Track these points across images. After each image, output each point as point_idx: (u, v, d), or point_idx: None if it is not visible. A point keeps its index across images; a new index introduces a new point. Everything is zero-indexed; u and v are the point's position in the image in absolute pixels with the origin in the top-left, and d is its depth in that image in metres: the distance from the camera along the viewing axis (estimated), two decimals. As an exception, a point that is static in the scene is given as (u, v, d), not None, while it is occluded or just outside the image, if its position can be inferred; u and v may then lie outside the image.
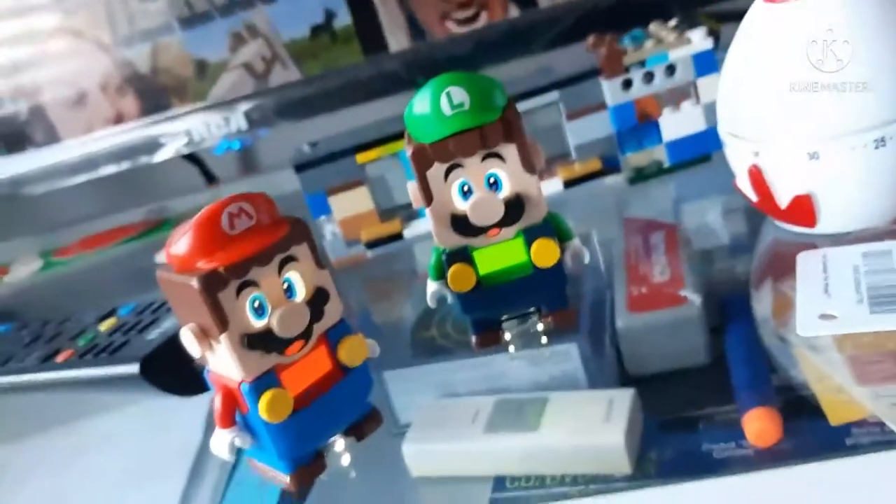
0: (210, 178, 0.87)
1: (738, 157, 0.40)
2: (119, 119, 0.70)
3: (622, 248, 0.42)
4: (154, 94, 0.69)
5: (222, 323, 0.29)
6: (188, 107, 0.69)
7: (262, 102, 0.67)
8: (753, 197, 0.40)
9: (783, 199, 0.38)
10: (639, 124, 0.51)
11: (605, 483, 0.31)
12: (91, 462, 0.45)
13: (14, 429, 0.50)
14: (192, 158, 0.85)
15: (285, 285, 0.31)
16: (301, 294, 0.31)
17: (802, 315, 0.33)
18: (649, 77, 0.50)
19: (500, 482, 0.33)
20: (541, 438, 0.32)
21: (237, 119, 0.68)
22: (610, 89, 0.50)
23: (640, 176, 0.52)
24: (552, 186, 0.53)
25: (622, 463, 0.31)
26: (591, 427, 0.32)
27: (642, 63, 0.50)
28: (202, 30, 0.62)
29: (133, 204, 0.87)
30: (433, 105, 0.33)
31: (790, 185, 0.38)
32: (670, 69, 0.50)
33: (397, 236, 0.54)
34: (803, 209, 0.38)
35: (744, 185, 0.40)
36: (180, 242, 0.29)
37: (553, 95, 0.52)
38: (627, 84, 0.50)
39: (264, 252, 0.30)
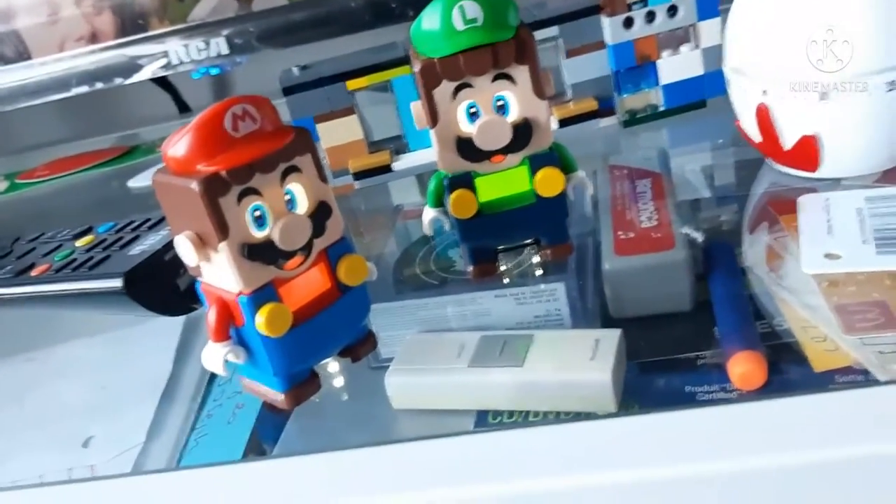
0: (183, 107, 0.84)
1: (745, 96, 0.39)
2: (94, 38, 0.67)
3: (608, 194, 0.41)
4: (132, 13, 0.66)
5: (222, 230, 0.28)
6: (167, 28, 0.66)
7: (244, 27, 0.65)
8: (757, 137, 0.39)
9: (788, 140, 0.38)
10: (637, 65, 0.50)
11: (588, 421, 0.31)
12: (57, 386, 0.44)
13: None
14: (166, 85, 0.82)
15: (287, 196, 0.30)
16: (303, 207, 0.30)
17: (806, 254, 0.33)
18: (651, 16, 0.49)
19: (482, 416, 0.32)
20: (526, 374, 0.32)
21: (218, 43, 0.66)
22: (611, 27, 0.49)
23: (635, 119, 0.52)
24: (547, 124, 0.52)
25: (607, 401, 0.31)
26: (577, 364, 0.31)
27: (644, 2, 0.49)
28: (188, -56, 0.59)
29: (103, 130, 0.84)
30: (445, 19, 0.32)
31: (797, 125, 0.38)
32: (672, 10, 0.49)
33: (385, 168, 0.53)
34: (808, 151, 0.38)
35: (748, 125, 0.40)
36: (179, 144, 0.28)
37: (553, 31, 0.51)
38: (629, 22, 0.49)
39: (268, 158, 0.29)
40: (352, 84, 0.51)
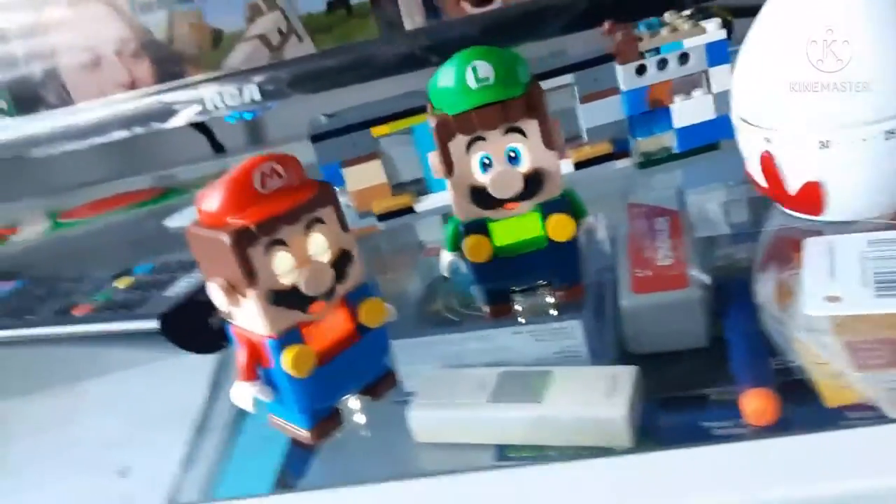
0: (218, 148, 0.87)
1: (751, 144, 0.41)
2: (133, 85, 0.71)
3: (626, 232, 0.43)
4: (169, 61, 0.69)
5: (251, 278, 0.30)
6: (202, 76, 0.69)
7: (276, 74, 0.68)
8: (763, 183, 0.41)
9: (793, 186, 0.40)
10: (650, 110, 0.52)
11: (605, 456, 0.32)
12: (95, 419, 0.46)
13: (22, 383, 0.51)
14: (202, 128, 0.85)
15: (313, 245, 0.32)
16: (326, 255, 0.32)
17: (809, 296, 0.35)
18: (663, 64, 0.51)
19: (502, 450, 0.34)
20: (544, 409, 0.33)
21: (250, 90, 0.69)
22: (624, 74, 0.51)
23: (650, 161, 0.53)
24: (563, 167, 0.54)
25: (623, 436, 0.32)
26: (594, 400, 0.33)
27: (657, 50, 0.51)
28: (220, -1, 0.62)
29: (141, 170, 0.87)
30: (458, 78, 0.34)
31: (800, 172, 0.39)
32: (684, 57, 0.51)
33: (408, 210, 0.55)
34: (812, 196, 0.39)
35: (754, 171, 0.41)
36: (212, 199, 0.30)
37: (568, 78, 0.53)
38: (641, 70, 0.51)
39: (293, 211, 0.31)
40: (376, 131, 0.54)
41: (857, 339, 0.33)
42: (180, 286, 0.44)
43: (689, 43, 0.50)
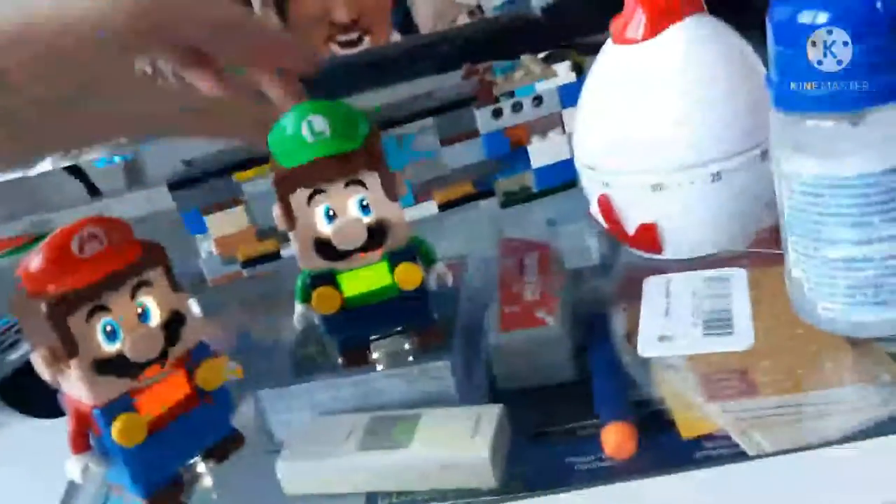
0: (94, 192, 0.84)
1: (591, 187, 0.42)
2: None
3: (497, 269, 0.43)
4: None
5: (71, 348, 0.29)
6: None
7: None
8: (605, 224, 0.42)
9: (630, 227, 0.41)
10: (509, 151, 0.53)
11: (472, 497, 0.32)
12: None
13: None
14: (77, 172, 0.82)
15: (140, 309, 0.31)
16: (156, 318, 0.31)
17: (643, 336, 0.36)
18: (518, 107, 0.52)
19: (372, 498, 0.33)
20: (411, 455, 0.33)
21: (117, 133, 0.66)
22: (481, 117, 0.52)
23: (512, 200, 0.54)
24: (428, 208, 0.54)
25: (488, 477, 0.32)
26: (458, 443, 0.33)
27: (511, 93, 0.52)
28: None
29: (13, 216, 0.83)
30: (295, 131, 0.34)
31: (636, 213, 0.41)
32: (537, 100, 0.52)
33: (275, 255, 0.54)
34: (649, 237, 0.41)
35: (596, 212, 0.42)
36: (31, 265, 0.29)
37: (429, 121, 0.53)
38: (498, 113, 0.52)
39: (115, 276, 0.30)
40: (240, 175, 0.53)
41: (709, 371, 0.34)
42: (24, 348, 0.42)
43: (541, 86, 0.52)
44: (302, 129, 0.34)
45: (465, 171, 0.54)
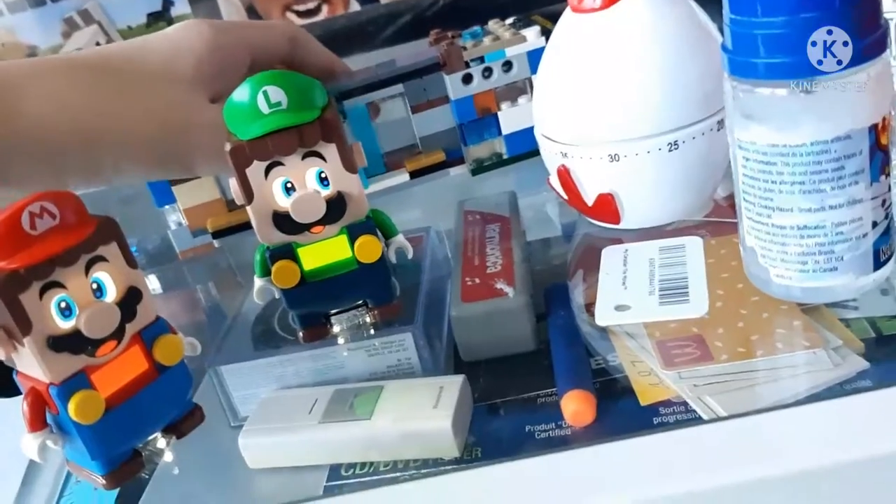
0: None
1: (550, 158, 0.42)
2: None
3: (461, 239, 0.43)
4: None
5: (25, 325, 0.29)
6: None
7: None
8: (564, 195, 0.42)
9: (589, 198, 0.41)
10: (479, 117, 0.53)
11: (435, 467, 0.32)
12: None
13: None
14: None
15: (94, 285, 0.31)
16: (111, 294, 0.31)
17: (601, 305, 0.36)
18: (488, 72, 0.52)
19: (335, 470, 0.34)
20: (373, 426, 0.33)
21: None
22: (451, 83, 0.52)
23: (482, 167, 0.54)
24: (400, 177, 0.54)
25: (450, 447, 0.32)
26: (420, 414, 0.33)
27: (481, 59, 0.51)
28: (33, 14, 0.59)
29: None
30: (250, 103, 0.34)
31: (594, 184, 0.41)
32: (507, 65, 0.52)
33: (246, 225, 0.54)
34: (607, 207, 0.40)
35: (555, 183, 0.42)
36: (-20, 244, 0.29)
37: (398, 88, 0.53)
38: (468, 79, 0.52)
39: (68, 252, 0.29)
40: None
41: (666, 338, 0.34)
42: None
43: (511, 51, 0.51)
44: (258, 100, 0.33)
45: (437, 139, 0.54)
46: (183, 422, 0.34)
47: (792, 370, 0.31)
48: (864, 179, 0.30)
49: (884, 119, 0.30)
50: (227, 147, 0.34)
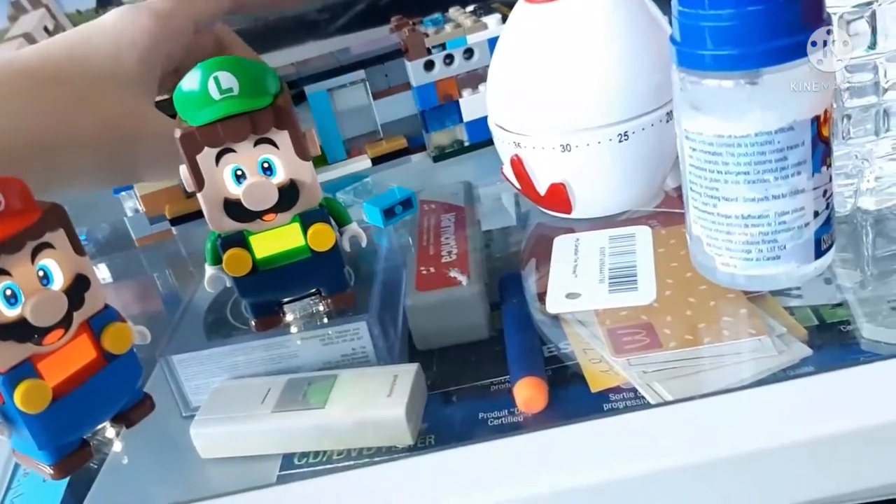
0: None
1: (503, 147, 0.42)
2: None
3: (417, 229, 0.43)
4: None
5: (-32, 313, 0.28)
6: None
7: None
8: (517, 185, 0.42)
9: (542, 187, 0.41)
10: (440, 104, 0.53)
11: (388, 455, 0.32)
12: None
13: None
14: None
15: (41, 273, 0.30)
16: (58, 282, 0.31)
17: (552, 293, 0.36)
18: (450, 59, 0.52)
19: (288, 459, 0.34)
20: (327, 415, 0.33)
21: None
22: (413, 70, 0.52)
23: (444, 154, 0.54)
24: (361, 163, 0.54)
25: (404, 435, 0.32)
26: (374, 402, 0.33)
27: (443, 46, 0.51)
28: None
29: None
30: (201, 89, 0.33)
31: (546, 174, 0.41)
32: (468, 52, 0.52)
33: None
34: (559, 197, 0.41)
35: (508, 173, 0.42)
36: (-77, 230, 0.28)
37: (360, 74, 0.53)
38: (430, 65, 0.52)
39: (13, 239, 0.29)
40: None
41: (617, 326, 0.35)
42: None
43: (472, 38, 0.51)
44: (208, 86, 0.33)
45: (398, 125, 0.54)
46: (132, 411, 0.34)
47: (738, 357, 0.32)
48: (806, 170, 0.30)
49: (825, 111, 0.30)
50: (178, 133, 0.34)
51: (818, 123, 0.30)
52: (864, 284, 0.34)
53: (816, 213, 0.31)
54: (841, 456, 0.28)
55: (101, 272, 0.54)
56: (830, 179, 0.31)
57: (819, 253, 0.32)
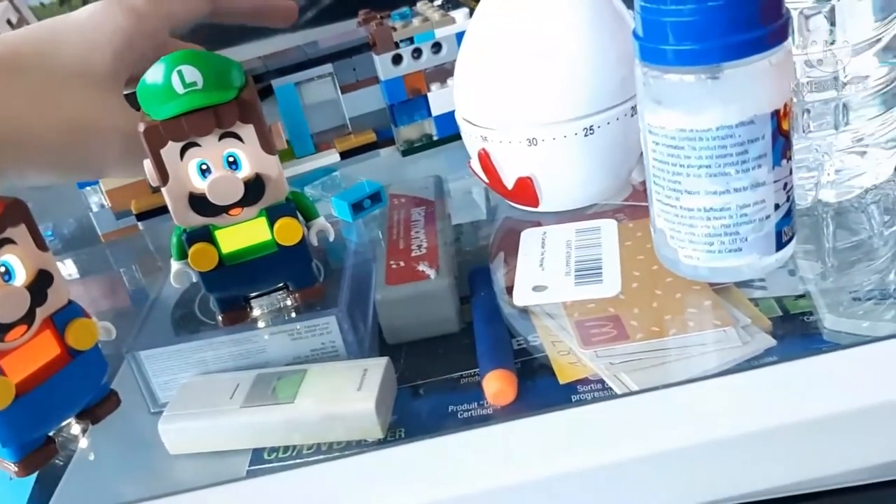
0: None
1: (470, 141, 0.43)
2: None
3: (387, 223, 0.43)
4: None
5: (-73, 311, 0.28)
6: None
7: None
8: (485, 178, 0.43)
9: (509, 181, 0.41)
10: (409, 98, 0.53)
11: (358, 448, 0.32)
12: None
13: None
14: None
15: (2, 269, 0.30)
16: (20, 278, 0.30)
17: (518, 286, 0.37)
18: (417, 53, 0.52)
19: (257, 454, 0.34)
20: (296, 410, 0.33)
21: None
22: (381, 64, 0.52)
23: (412, 148, 0.54)
24: (330, 157, 0.54)
25: (374, 429, 0.33)
26: (343, 396, 0.33)
27: (410, 40, 0.51)
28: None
29: None
30: (165, 82, 0.33)
31: (513, 168, 0.41)
32: (436, 46, 0.52)
33: (169, 207, 0.53)
34: (526, 190, 0.41)
35: (476, 167, 0.43)
36: None
37: (327, 68, 0.52)
38: (397, 59, 0.52)
39: (-27, 236, 0.29)
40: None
41: (584, 318, 0.35)
42: None
43: (440, 32, 0.51)
44: (172, 79, 0.33)
45: (367, 119, 0.54)
46: (98, 407, 0.34)
47: (703, 348, 0.32)
48: (766, 163, 0.31)
49: (785, 105, 0.31)
50: (141, 127, 0.34)
51: (778, 117, 0.30)
52: (826, 276, 0.35)
53: (777, 206, 0.32)
54: (803, 444, 0.28)
55: (67, 268, 0.54)
56: (791, 172, 0.32)
57: (780, 245, 0.33)
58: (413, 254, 0.39)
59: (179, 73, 0.33)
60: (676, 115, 0.31)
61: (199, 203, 0.35)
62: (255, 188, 0.35)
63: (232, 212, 0.35)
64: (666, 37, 0.30)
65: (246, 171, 0.35)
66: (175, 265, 0.37)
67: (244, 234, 0.36)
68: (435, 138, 0.54)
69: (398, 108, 0.53)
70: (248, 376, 0.36)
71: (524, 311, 0.36)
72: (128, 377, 0.37)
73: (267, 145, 0.35)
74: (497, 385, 0.32)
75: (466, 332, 0.37)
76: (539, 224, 0.41)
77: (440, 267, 0.37)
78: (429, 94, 0.53)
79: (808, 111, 0.36)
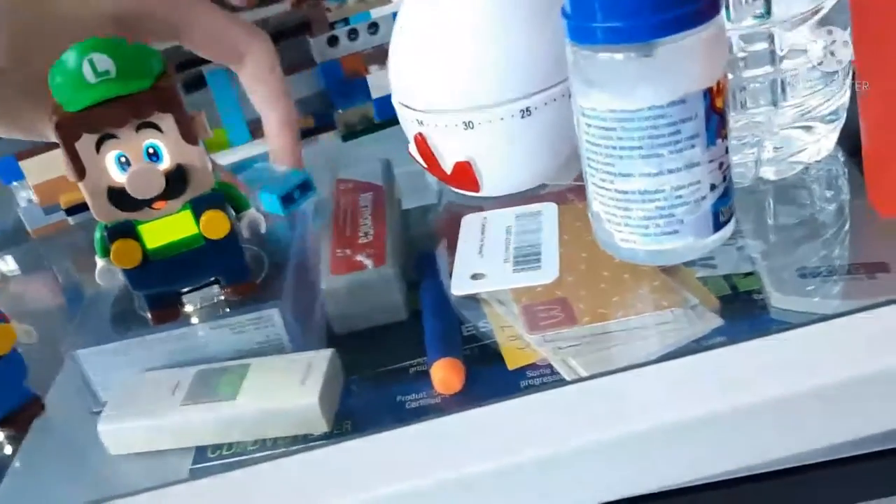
0: None
1: (407, 126, 0.42)
2: None
3: (332, 210, 0.42)
4: None
5: None
6: None
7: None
8: (423, 163, 0.41)
9: (447, 166, 0.40)
10: (347, 80, 0.51)
11: (304, 443, 0.32)
12: None
13: None
14: None
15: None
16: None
17: (457, 275, 0.36)
18: (354, 34, 0.50)
19: (201, 452, 0.33)
20: (238, 406, 0.32)
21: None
22: (316, 46, 0.50)
23: (353, 133, 0.53)
24: (267, 145, 0.52)
25: (319, 422, 0.32)
26: (286, 391, 0.32)
27: (346, 21, 0.50)
28: None
29: None
30: (75, 72, 0.31)
31: (451, 152, 0.40)
32: (373, 27, 0.50)
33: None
34: (465, 175, 0.40)
35: (414, 151, 0.42)
36: None
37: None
38: (333, 41, 0.50)
39: None
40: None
41: (532, 302, 0.34)
42: None
43: (376, 13, 0.50)
44: (83, 68, 0.31)
45: (305, 104, 0.53)
46: (22, 412, 0.32)
47: (651, 330, 0.32)
48: (700, 143, 0.30)
49: (718, 83, 0.30)
50: (53, 120, 0.32)
51: (711, 95, 0.30)
52: (769, 254, 0.35)
53: (713, 186, 0.31)
54: (751, 427, 0.28)
55: (7, 264, 0.52)
56: (727, 151, 0.31)
57: (718, 226, 0.32)
58: (360, 241, 0.38)
59: (90, 61, 0.31)
60: (607, 96, 0.30)
61: (119, 197, 0.33)
62: (177, 180, 0.34)
63: (155, 205, 0.34)
64: (594, 14, 0.29)
65: (167, 162, 0.34)
66: (100, 262, 0.35)
67: (169, 228, 0.35)
68: (376, 122, 0.53)
69: (336, 91, 0.52)
70: (189, 373, 0.35)
71: (474, 297, 0.36)
72: (70, 377, 0.36)
73: (188, 135, 0.33)
74: (444, 373, 0.32)
75: (415, 319, 0.36)
76: (481, 209, 0.41)
77: (387, 254, 0.36)
78: (368, 77, 0.51)
79: (745, 88, 0.35)
